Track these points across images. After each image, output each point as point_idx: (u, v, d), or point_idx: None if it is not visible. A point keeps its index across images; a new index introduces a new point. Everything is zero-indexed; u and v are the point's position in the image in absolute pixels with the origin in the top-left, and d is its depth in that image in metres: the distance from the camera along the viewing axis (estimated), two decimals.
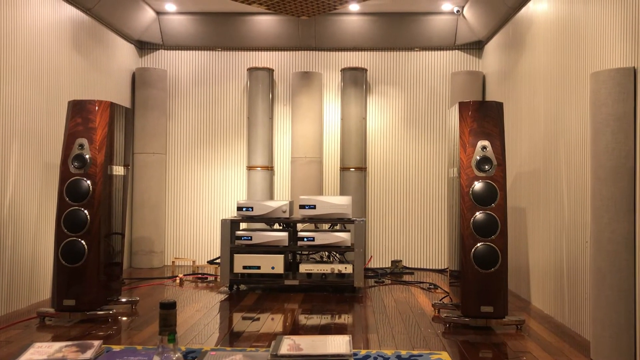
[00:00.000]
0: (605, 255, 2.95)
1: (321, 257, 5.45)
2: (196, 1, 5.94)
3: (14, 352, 3.10)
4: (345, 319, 3.99)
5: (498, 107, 3.83)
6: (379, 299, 4.68)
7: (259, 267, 4.83)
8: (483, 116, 3.80)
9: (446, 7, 6.02)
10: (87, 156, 3.86)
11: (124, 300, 4.21)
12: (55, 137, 4.63)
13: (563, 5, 3.99)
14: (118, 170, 4.11)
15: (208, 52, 6.55)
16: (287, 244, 4.88)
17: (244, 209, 4.95)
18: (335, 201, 4.90)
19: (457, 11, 6.07)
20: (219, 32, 6.40)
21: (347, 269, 4.84)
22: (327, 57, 6.50)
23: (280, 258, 4.84)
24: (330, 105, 6.48)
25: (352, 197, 5.14)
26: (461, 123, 3.82)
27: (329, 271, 4.85)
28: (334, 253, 5.26)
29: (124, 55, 6.13)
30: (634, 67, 2.96)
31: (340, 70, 6.38)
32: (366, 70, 6.36)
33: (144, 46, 6.55)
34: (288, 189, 6.43)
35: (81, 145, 3.88)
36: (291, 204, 5.12)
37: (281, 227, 5.14)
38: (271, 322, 3.87)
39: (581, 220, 3.59)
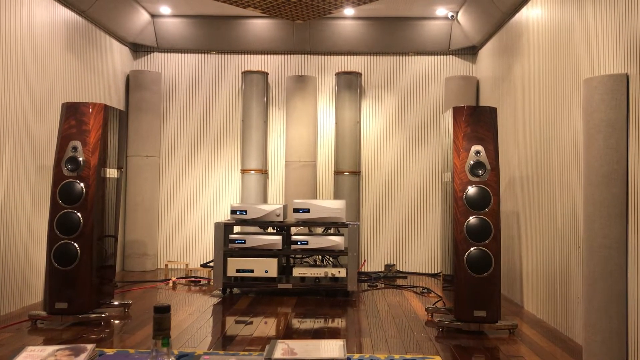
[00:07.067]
0: (598, 259, 2.96)
1: (315, 261, 5.45)
2: (191, 4, 5.94)
3: (6, 355, 3.09)
4: (339, 323, 3.98)
5: (492, 112, 3.85)
6: (372, 303, 4.69)
7: (252, 271, 4.82)
8: (477, 121, 3.82)
9: (440, 12, 6.05)
10: (80, 159, 3.85)
11: (116, 303, 4.19)
12: (48, 140, 4.62)
13: (556, 11, 4.02)
14: (111, 172, 4.10)
15: (203, 55, 6.55)
16: (280, 248, 4.88)
17: (237, 212, 4.94)
18: (329, 205, 4.91)
19: (452, 16, 6.10)
20: (214, 35, 6.39)
21: (340, 272, 4.84)
22: (321, 61, 6.52)
23: (273, 262, 4.83)
24: (324, 109, 6.49)
25: (345, 201, 5.15)
26: (455, 128, 3.83)
27: (322, 275, 4.85)
28: (328, 257, 5.26)
29: (118, 57, 6.12)
30: (626, 73, 2.98)
31: (335, 74, 6.39)
32: (360, 74, 6.38)
33: (138, 49, 6.54)
34: (282, 193, 6.43)
35: (74, 148, 3.86)
36: (285, 207, 5.11)
37: (275, 231, 5.14)
38: (264, 325, 3.87)
39: (574, 225, 3.61)
